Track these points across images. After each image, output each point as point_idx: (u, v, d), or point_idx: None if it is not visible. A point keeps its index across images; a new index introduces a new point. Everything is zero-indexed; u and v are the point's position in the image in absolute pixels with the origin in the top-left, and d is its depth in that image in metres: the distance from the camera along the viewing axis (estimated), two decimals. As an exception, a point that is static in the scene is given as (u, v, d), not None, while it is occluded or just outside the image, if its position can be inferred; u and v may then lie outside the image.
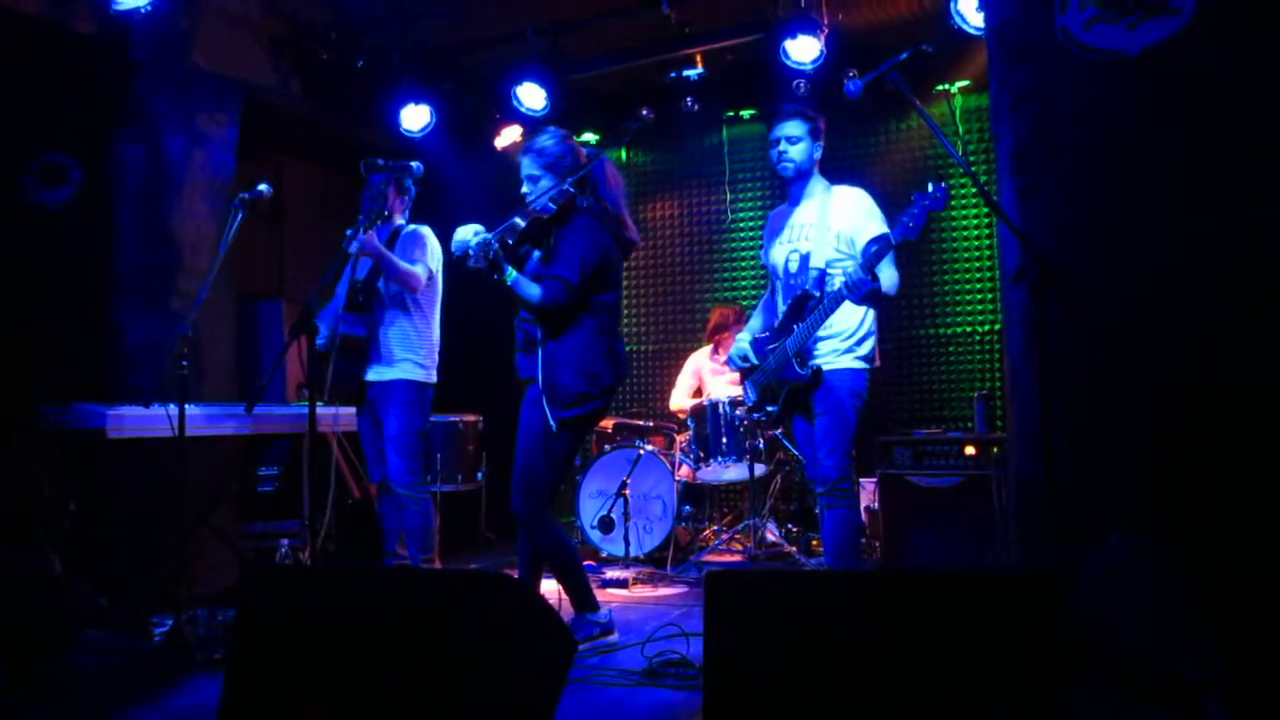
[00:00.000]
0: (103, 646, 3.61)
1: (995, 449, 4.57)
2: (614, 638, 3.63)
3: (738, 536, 5.64)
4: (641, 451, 5.46)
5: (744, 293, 6.91)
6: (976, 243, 6.27)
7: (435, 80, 6.09)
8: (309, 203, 6.60)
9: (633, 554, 5.24)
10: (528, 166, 3.61)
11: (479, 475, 5.96)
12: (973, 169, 4.64)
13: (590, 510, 5.53)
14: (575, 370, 3.46)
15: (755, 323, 3.91)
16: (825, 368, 3.51)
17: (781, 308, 3.67)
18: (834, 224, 3.54)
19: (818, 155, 3.65)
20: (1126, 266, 3.12)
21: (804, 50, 5.15)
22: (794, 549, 5.41)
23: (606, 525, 5.36)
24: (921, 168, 6.37)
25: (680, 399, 6.17)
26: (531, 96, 5.82)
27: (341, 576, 2.01)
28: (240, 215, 3.78)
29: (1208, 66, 3.03)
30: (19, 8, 4.55)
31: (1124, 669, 2.59)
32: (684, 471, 5.66)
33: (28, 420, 4.14)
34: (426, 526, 4.10)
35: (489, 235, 3.38)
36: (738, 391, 5.37)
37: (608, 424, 5.95)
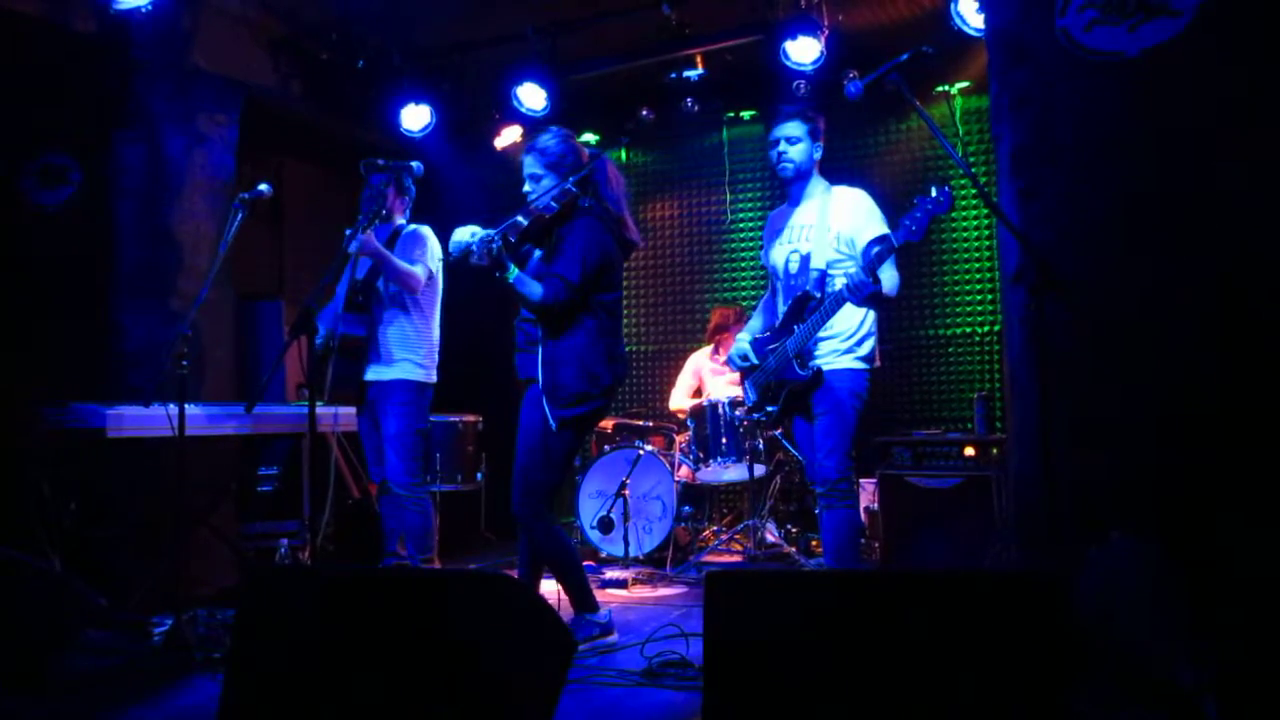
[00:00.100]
0: (102, 646, 3.61)
1: (995, 450, 4.58)
2: (613, 638, 3.64)
3: (737, 537, 5.64)
4: (641, 452, 5.46)
5: (744, 293, 6.92)
6: (976, 244, 6.28)
7: (435, 80, 6.10)
8: (309, 203, 6.61)
9: (632, 554, 5.24)
10: (530, 165, 3.61)
11: (478, 475, 5.96)
12: (973, 170, 4.64)
13: (590, 510, 5.53)
14: (575, 370, 3.46)
15: (755, 323, 3.91)
16: (825, 368, 3.51)
17: (782, 308, 3.67)
18: (834, 225, 3.55)
19: (818, 156, 3.65)
20: (1126, 267, 3.12)
21: (804, 51, 5.15)
22: (793, 549, 5.41)
23: (606, 525, 5.36)
24: (921, 169, 6.38)
25: (680, 399, 6.17)
26: (531, 97, 5.82)
27: (341, 577, 2.01)
28: (240, 215, 3.78)
29: (1208, 68, 3.04)
30: (19, 8, 4.55)
31: (1123, 669, 2.59)
32: (683, 472, 5.66)
33: (28, 420, 4.14)
34: (425, 527, 4.10)
35: (492, 232, 3.38)
36: (738, 392, 5.37)
37: (607, 424, 5.95)
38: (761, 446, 5.41)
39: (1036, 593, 1.63)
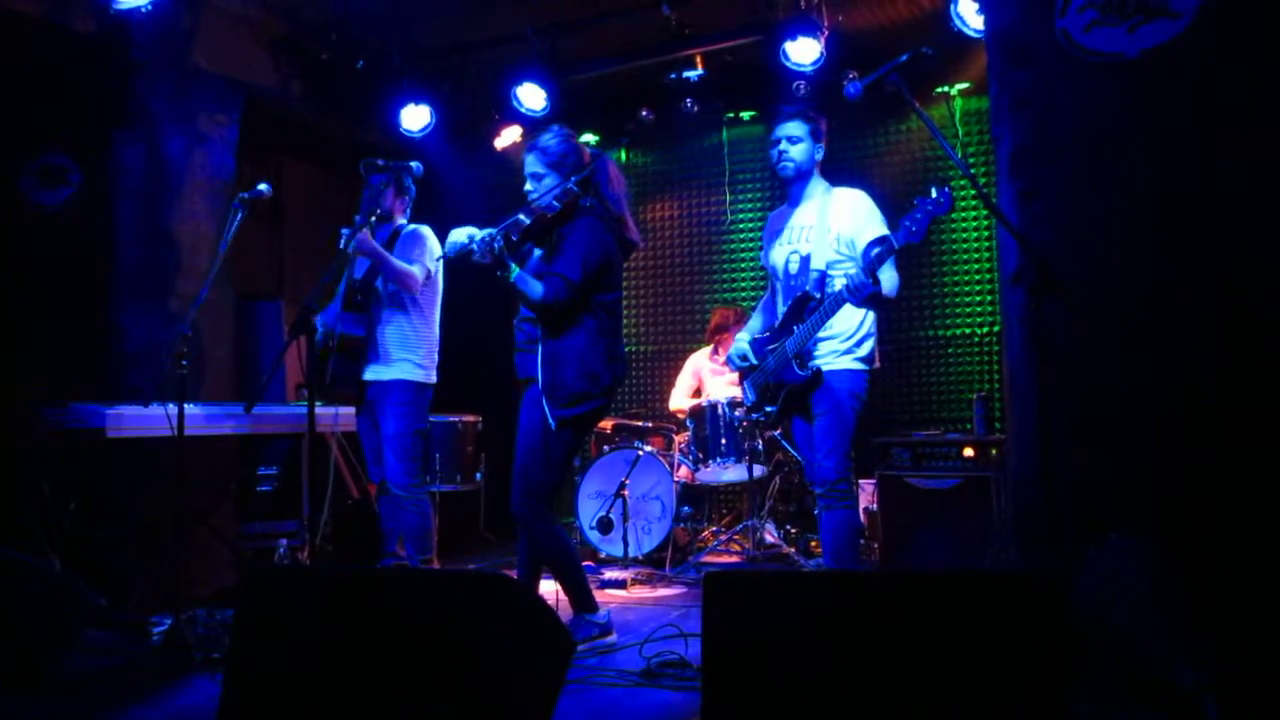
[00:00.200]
0: (102, 646, 3.61)
1: (994, 450, 4.58)
2: (612, 638, 3.63)
3: (736, 538, 5.64)
4: (640, 452, 5.46)
5: (744, 293, 6.92)
6: (976, 244, 6.28)
7: (435, 81, 6.10)
8: (308, 203, 6.60)
9: (631, 555, 5.24)
10: (531, 164, 3.61)
11: (478, 476, 5.96)
12: (972, 171, 4.65)
13: (589, 511, 5.53)
14: (575, 369, 3.46)
15: (755, 323, 3.91)
16: (824, 368, 3.51)
17: (781, 309, 3.67)
18: (834, 226, 3.55)
19: (819, 157, 3.65)
20: (1126, 268, 3.13)
21: (804, 52, 5.15)
22: (792, 550, 5.41)
23: (605, 526, 5.36)
24: (921, 170, 6.38)
25: (680, 400, 6.17)
26: (531, 97, 5.82)
27: (340, 577, 2.01)
28: (240, 215, 3.78)
29: (1207, 69, 3.04)
30: (19, 8, 4.55)
31: (1122, 669, 2.59)
32: (683, 472, 5.66)
33: (28, 420, 4.14)
34: (424, 527, 4.09)
35: (493, 230, 3.38)
36: (737, 392, 5.37)
37: (607, 425, 5.95)
38: (761, 447, 5.42)
39: (1036, 593, 1.63)
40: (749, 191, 7.01)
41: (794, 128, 3.59)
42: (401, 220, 4.25)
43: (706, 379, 6.12)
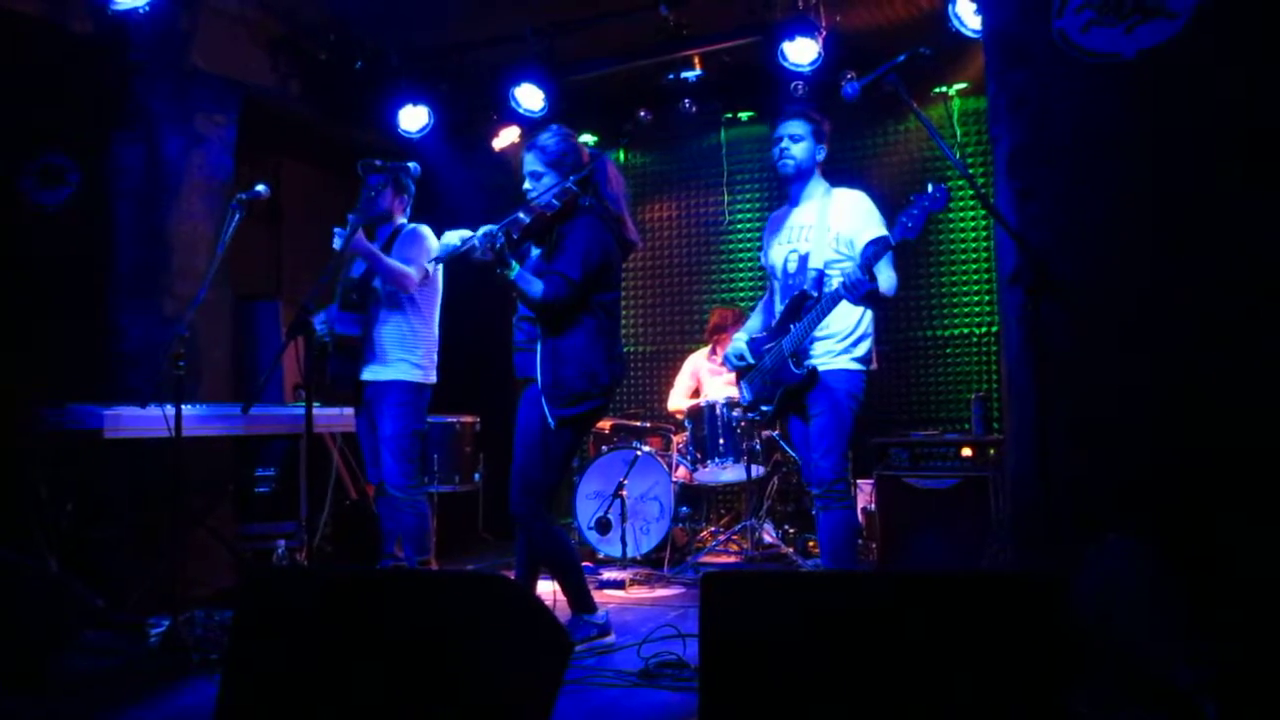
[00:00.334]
0: (100, 647, 3.61)
1: (992, 450, 4.58)
2: (611, 639, 3.63)
3: (735, 538, 5.64)
4: (639, 453, 5.46)
5: (743, 294, 6.92)
6: (974, 245, 6.28)
7: (433, 81, 6.09)
8: (307, 204, 6.60)
9: (630, 555, 5.24)
10: (531, 163, 3.62)
11: (476, 476, 5.96)
12: (970, 171, 4.65)
13: (587, 511, 5.52)
14: (574, 369, 3.46)
15: (753, 323, 3.91)
16: (821, 368, 3.51)
17: (779, 308, 3.68)
18: (833, 225, 3.55)
19: (820, 157, 3.65)
20: (1124, 268, 3.13)
21: (802, 52, 5.15)
22: (791, 550, 5.42)
23: (604, 526, 5.36)
24: (919, 170, 6.38)
25: (678, 400, 6.17)
26: (530, 97, 5.82)
27: (338, 578, 2.01)
28: (238, 216, 3.77)
29: (1205, 69, 3.04)
30: (18, 8, 4.54)
31: (1121, 669, 2.59)
32: (681, 473, 5.67)
33: (26, 420, 4.14)
34: (422, 528, 4.08)
35: (494, 228, 3.38)
36: (735, 393, 5.37)
37: (605, 425, 5.96)
38: (759, 447, 5.42)
39: (1034, 593, 1.63)
40: (747, 192, 7.01)
41: (796, 126, 3.60)
42: (401, 220, 4.25)
43: (705, 379, 6.12)
